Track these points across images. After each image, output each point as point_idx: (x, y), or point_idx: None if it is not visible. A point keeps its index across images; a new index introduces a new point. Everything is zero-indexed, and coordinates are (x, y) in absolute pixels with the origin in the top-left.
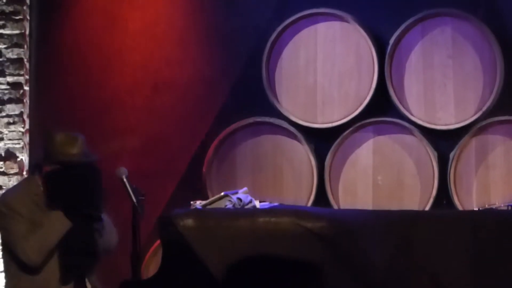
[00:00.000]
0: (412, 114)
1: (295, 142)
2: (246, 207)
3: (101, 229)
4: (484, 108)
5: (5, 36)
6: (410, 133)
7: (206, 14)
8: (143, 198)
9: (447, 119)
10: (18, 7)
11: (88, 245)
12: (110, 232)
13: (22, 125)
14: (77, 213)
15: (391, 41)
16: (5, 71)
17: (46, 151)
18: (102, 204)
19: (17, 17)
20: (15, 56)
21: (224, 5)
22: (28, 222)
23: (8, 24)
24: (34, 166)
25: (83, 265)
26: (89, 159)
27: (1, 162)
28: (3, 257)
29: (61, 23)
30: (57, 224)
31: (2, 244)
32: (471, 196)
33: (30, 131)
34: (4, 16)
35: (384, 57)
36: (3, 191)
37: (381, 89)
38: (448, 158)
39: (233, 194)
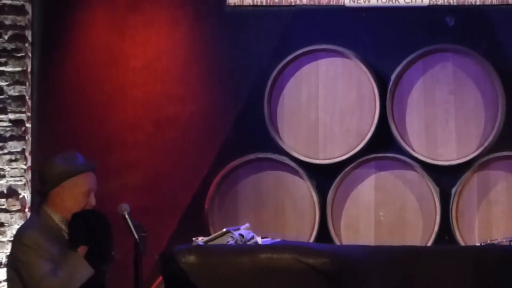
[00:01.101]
0: (413, 150)
1: (297, 178)
2: (248, 243)
3: (109, 270)
4: (486, 144)
5: (7, 74)
6: (412, 169)
7: (207, 51)
8: (145, 234)
9: (448, 155)
10: (20, 45)
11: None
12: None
13: (24, 162)
14: (98, 256)
15: (393, 77)
16: (7, 108)
17: (49, 176)
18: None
19: (18, 54)
20: (17, 93)
21: (226, 41)
22: (51, 258)
23: (10, 62)
24: (40, 196)
25: None
26: (93, 167)
27: (3, 199)
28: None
29: (63, 60)
30: (83, 269)
31: (16, 275)
32: (473, 232)
33: (32, 168)
34: (6, 54)
35: (385, 93)
36: (8, 228)
37: (383, 125)
38: (450, 194)
39: (235, 230)
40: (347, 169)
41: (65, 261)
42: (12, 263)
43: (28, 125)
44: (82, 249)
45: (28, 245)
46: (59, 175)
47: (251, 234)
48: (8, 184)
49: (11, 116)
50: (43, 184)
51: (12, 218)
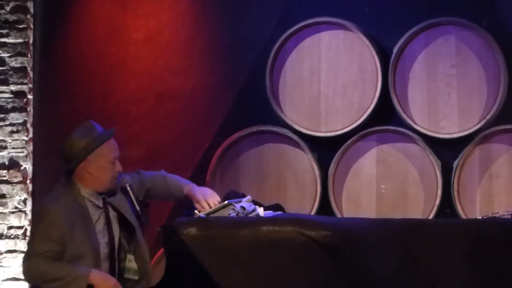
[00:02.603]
0: (415, 123)
1: (298, 151)
2: (250, 215)
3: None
4: (488, 117)
5: (9, 45)
6: (414, 142)
7: (209, 23)
8: (147, 207)
9: (450, 128)
10: (22, 16)
11: None
12: None
13: (26, 134)
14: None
15: (395, 50)
16: (9, 80)
17: (72, 153)
18: None
19: (20, 26)
20: (19, 65)
21: (228, 14)
22: (59, 241)
23: (11, 33)
24: (66, 174)
25: None
26: (112, 134)
27: (5, 171)
28: None
29: (65, 32)
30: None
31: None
32: (474, 205)
33: (34, 140)
34: (7, 25)
35: (387, 66)
36: (9, 199)
37: (385, 98)
38: (451, 167)
39: (236, 202)
40: (348, 142)
41: (72, 267)
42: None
43: (30, 96)
44: (95, 275)
45: (43, 219)
46: (82, 150)
47: (253, 206)
48: (9, 155)
49: (13, 87)
50: (68, 161)
51: (13, 189)
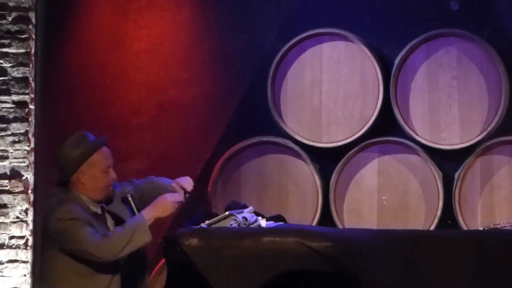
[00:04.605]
0: (417, 134)
1: (300, 161)
2: (251, 226)
3: None
4: (489, 129)
5: (11, 55)
6: (415, 153)
7: (211, 34)
8: None
9: (452, 139)
10: (24, 26)
11: None
12: None
13: (28, 144)
14: None
15: (396, 61)
16: (11, 90)
17: (65, 165)
18: None
19: (22, 36)
20: (21, 75)
21: (229, 25)
22: (91, 224)
23: (13, 43)
24: (59, 183)
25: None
26: (104, 142)
27: (6, 181)
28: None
29: (67, 42)
30: (143, 234)
31: (58, 251)
32: (476, 217)
33: (35, 150)
34: (9, 35)
35: (389, 77)
36: (11, 209)
37: (386, 109)
38: (453, 178)
39: (238, 213)
40: (350, 153)
41: (129, 220)
42: (51, 241)
43: (32, 106)
44: (149, 215)
45: (65, 219)
46: (74, 161)
47: (255, 217)
48: (11, 165)
49: (15, 97)
50: (61, 173)
51: (15, 199)
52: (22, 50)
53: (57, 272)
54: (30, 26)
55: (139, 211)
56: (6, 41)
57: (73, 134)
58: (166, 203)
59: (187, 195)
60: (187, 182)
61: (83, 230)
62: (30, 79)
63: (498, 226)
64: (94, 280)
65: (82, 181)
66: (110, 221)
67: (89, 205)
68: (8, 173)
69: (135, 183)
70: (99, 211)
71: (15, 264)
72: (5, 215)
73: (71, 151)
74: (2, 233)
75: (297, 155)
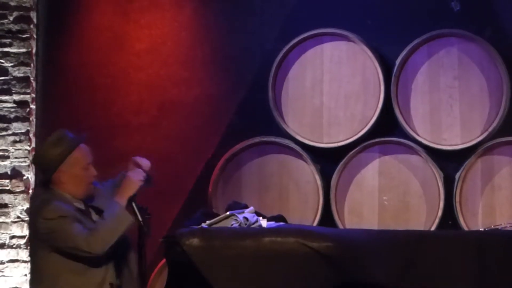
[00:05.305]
0: (418, 135)
1: (301, 162)
2: (252, 226)
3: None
4: (490, 129)
5: (12, 55)
6: (416, 153)
7: (212, 34)
8: (149, 217)
9: (453, 140)
10: (25, 26)
11: None
12: None
13: (28, 144)
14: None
15: (397, 61)
16: (12, 90)
17: (44, 165)
18: None
19: (23, 36)
20: (22, 75)
21: (230, 25)
22: (80, 220)
23: (14, 43)
24: (42, 183)
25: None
26: (81, 139)
27: (7, 180)
28: (45, 261)
29: (68, 42)
30: (124, 218)
31: (49, 250)
32: (476, 217)
33: (36, 149)
34: (11, 35)
35: (390, 77)
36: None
37: (387, 110)
38: (454, 179)
39: (239, 213)
40: (351, 153)
41: (105, 211)
42: (42, 241)
43: (33, 106)
44: (121, 198)
45: (53, 218)
46: (52, 160)
47: (256, 217)
48: (12, 165)
49: (16, 97)
50: (42, 172)
51: (15, 199)
52: (23, 50)
53: (52, 272)
54: (31, 26)
55: (140, 211)
56: (7, 41)
57: (53, 133)
58: (131, 181)
59: (149, 175)
60: (143, 161)
61: (71, 227)
62: (31, 78)
63: (499, 227)
64: (89, 275)
65: (63, 180)
66: (94, 216)
67: (72, 202)
68: (9, 172)
69: (114, 181)
70: (82, 207)
71: (16, 264)
72: (6, 214)
73: (49, 151)
74: (3, 233)
75: (298, 155)
